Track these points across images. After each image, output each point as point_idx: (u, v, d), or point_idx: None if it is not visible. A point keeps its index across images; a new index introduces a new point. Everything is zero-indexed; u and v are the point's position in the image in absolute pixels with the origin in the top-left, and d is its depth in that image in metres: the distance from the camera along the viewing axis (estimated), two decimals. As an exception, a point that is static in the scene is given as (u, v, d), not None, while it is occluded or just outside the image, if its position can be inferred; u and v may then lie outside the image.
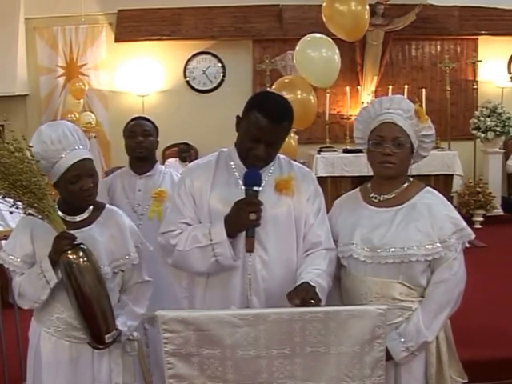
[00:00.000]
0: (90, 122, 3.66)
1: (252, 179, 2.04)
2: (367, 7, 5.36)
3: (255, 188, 2.03)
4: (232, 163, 2.15)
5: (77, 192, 2.10)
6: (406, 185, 2.19)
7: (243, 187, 2.06)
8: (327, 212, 2.26)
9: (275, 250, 2.10)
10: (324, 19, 5.35)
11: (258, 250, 2.06)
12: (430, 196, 2.17)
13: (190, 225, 2.12)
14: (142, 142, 3.10)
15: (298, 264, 2.13)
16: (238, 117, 2.12)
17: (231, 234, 2.02)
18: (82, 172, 2.10)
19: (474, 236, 2.16)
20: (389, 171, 2.15)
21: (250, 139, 2.05)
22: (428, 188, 2.22)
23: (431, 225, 2.09)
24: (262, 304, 2.08)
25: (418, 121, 2.15)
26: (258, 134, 2.03)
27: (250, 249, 2.02)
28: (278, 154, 2.20)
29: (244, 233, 2.03)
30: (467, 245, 2.17)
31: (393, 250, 2.08)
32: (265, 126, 2.01)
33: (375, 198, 2.20)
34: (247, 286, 2.08)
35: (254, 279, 2.07)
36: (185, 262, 2.10)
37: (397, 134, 2.13)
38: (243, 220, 1.99)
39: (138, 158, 3.15)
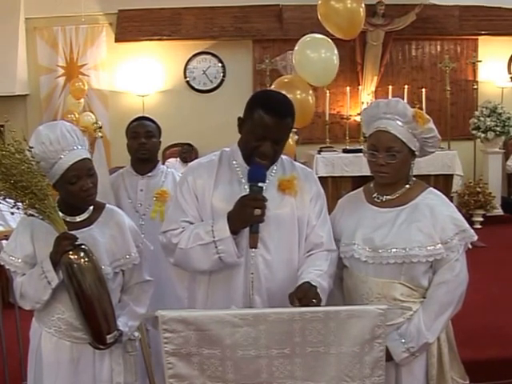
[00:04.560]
0: (97, 122, 3.64)
1: (256, 175, 2.03)
2: (363, 5, 5.33)
3: (260, 184, 2.02)
4: (235, 162, 2.15)
5: (76, 192, 2.09)
6: (408, 185, 2.18)
7: (247, 184, 2.06)
8: (329, 212, 2.26)
9: (277, 249, 2.09)
10: (319, 17, 5.33)
11: (260, 249, 2.06)
12: (432, 197, 2.17)
13: (192, 223, 2.11)
14: (144, 144, 3.10)
15: (299, 264, 2.13)
16: (239, 118, 2.12)
17: (234, 231, 2.01)
18: (81, 172, 2.09)
19: (476, 237, 2.15)
20: (384, 180, 2.16)
21: (256, 138, 2.05)
22: (431, 189, 2.21)
23: (433, 226, 2.08)
24: (265, 303, 2.07)
25: (417, 124, 2.12)
26: (264, 132, 2.03)
27: (254, 245, 2.01)
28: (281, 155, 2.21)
29: (246, 229, 2.02)
30: (469, 246, 2.16)
31: (394, 250, 2.08)
32: (270, 123, 2.01)
33: (378, 198, 2.20)
34: (249, 285, 2.08)
35: (256, 278, 2.07)
36: (187, 260, 2.09)
37: (390, 144, 2.11)
38: (248, 216, 1.98)
39: (141, 159, 3.14)
